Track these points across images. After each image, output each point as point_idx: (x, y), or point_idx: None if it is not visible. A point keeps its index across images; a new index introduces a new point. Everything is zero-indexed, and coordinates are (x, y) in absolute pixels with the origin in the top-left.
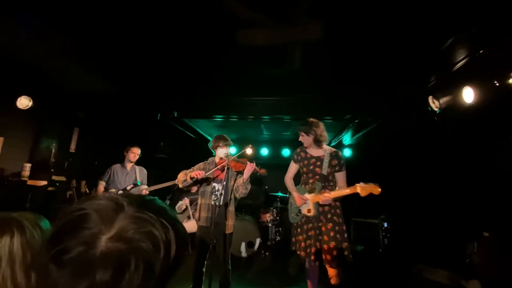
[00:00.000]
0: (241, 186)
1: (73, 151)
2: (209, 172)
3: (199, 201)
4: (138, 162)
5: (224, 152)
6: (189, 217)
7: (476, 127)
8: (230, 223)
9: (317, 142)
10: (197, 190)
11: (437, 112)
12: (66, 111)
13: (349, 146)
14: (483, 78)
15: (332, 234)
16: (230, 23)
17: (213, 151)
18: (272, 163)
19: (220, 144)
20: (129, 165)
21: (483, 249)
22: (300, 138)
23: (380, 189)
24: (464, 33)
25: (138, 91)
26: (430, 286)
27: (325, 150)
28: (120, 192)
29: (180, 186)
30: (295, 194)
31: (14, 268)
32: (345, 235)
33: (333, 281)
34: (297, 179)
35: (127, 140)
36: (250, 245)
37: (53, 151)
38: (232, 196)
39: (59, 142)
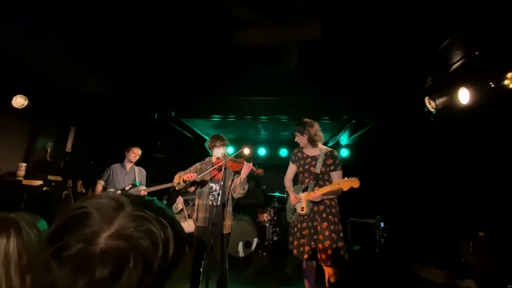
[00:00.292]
0: (239, 186)
1: (69, 151)
2: (205, 172)
3: (196, 202)
4: (136, 162)
5: (221, 152)
6: (186, 218)
7: (471, 127)
8: (228, 223)
9: (312, 142)
10: (194, 190)
11: (433, 112)
12: (62, 110)
13: (346, 146)
14: (479, 79)
15: (327, 233)
16: (228, 22)
17: (210, 151)
18: (270, 163)
19: (217, 144)
20: (128, 165)
21: (478, 248)
22: (296, 139)
23: (359, 182)
24: (460, 35)
25: (135, 91)
26: (426, 285)
27: (321, 149)
28: (119, 192)
29: (177, 188)
30: (291, 193)
31: (9, 269)
32: (341, 235)
33: (331, 280)
34: (296, 180)
35: (124, 140)
36: (247, 245)
37: (49, 150)
38: (230, 196)
39: (55, 141)
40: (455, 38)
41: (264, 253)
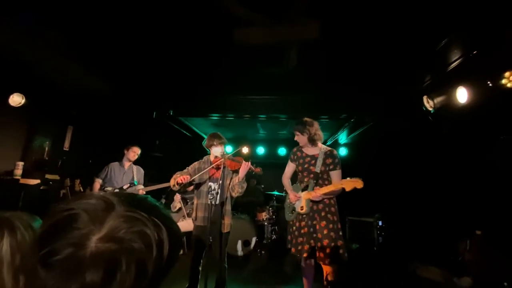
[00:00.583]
0: (237, 185)
1: (67, 149)
2: (203, 171)
3: (195, 201)
4: (134, 161)
5: (219, 150)
6: (184, 216)
7: (469, 127)
8: (227, 222)
9: (312, 141)
10: (193, 189)
11: (432, 111)
12: (60, 109)
13: (344, 145)
14: (477, 79)
15: (325, 232)
16: (227, 21)
17: (207, 149)
18: (269, 162)
19: (215, 143)
20: (127, 164)
21: (475, 247)
22: (296, 138)
23: (362, 183)
24: (458, 34)
25: (134, 89)
26: (423, 283)
27: (320, 148)
28: (117, 191)
29: (173, 189)
30: (290, 192)
31: (2, 270)
32: (340, 233)
33: (329, 278)
34: (294, 178)
35: (122, 139)
36: (246, 243)
37: (47, 149)
38: (228, 194)
39: (53, 140)
40: (453, 37)
41: (263, 252)
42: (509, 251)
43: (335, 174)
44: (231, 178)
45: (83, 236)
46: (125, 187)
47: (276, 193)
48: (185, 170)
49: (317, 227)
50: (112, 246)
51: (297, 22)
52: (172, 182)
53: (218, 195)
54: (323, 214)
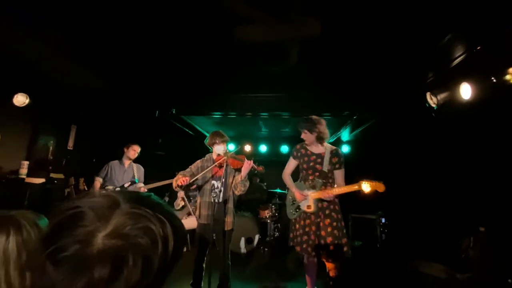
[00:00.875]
0: (240, 183)
1: (71, 149)
2: (206, 170)
3: (198, 200)
4: (136, 159)
5: (221, 149)
6: (188, 214)
7: (473, 123)
8: (230, 219)
9: (320, 140)
10: (196, 187)
11: (435, 108)
12: (64, 108)
13: (347, 142)
14: (481, 75)
15: (329, 229)
16: (229, 20)
17: (210, 147)
18: (271, 159)
19: (217, 141)
20: (127, 162)
21: (478, 243)
22: (303, 136)
23: (384, 187)
24: (462, 30)
25: (136, 88)
26: (426, 280)
27: (325, 147)
28: (118, 189)
29: (176, 190)
30: (294, 190)
31: (8, 268)
32: (344, 231)
33: (331, 274)
34: (294, 175)
35: (125, 137)
36: (249, 241)
37: (51, 148)
38: (231, 192)
39: (57, 139)
40: (457, 33)
41: (266, 249)
42: None
43: (339, 173)
44: (234, 176)
45: (89, 233)
46: (126, 185)
47: (278, 190)
48: (188, 169)
49: (321, 224)
50: (118, 242)
51: (299, 19)
52: (174, 184)
53: (221, 193)
54: (327, 212)
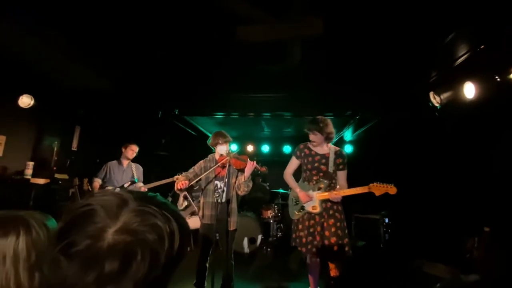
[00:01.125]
0: (243, 184)
1: (75, 149)
2: (209, 170)
3: (201, 200)
4: (139, 159)
5: (224, 149)
6: (192, 213)
7: (477, 122)
8: (233, 219)
9: (328, 140)
10: (199, 188)
11: (438, 107)
12: (68, 109)
13: (350, 142)
14: (484, 74)
15: (333, 229)
16: (231, 20)
17: (212, 148)
18: (273, 159)
19: (220, 141)
20: (125, 162)
21: (483, 244)
22: (312, 137)
23: (395, 189)
24: (465, 29)
25: (139, 89)
26: (430, 280)
27: (330, 148)
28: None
29: (178, 193)
30: (298, 191)
31: (18, 267)
32: (346, 231)
33: (332, 273)
34: (295, 175)
35: (128, 138)
36: (252, 241)
37: (55, 149)
38: (234, 193)
39: (61, 140)
40: (460, 31)
41: (269, 249)
42: None
43: (343, 174)
44: (237, 176)
45: (100, 229)
46: (126, 185)
47: (281, 190)
48: (191, 170)
49: (325, 224)
50: (127, 238)
51: (299, 19)
52: (175, 187)
53: (224, 193)
54: (331, 212)
